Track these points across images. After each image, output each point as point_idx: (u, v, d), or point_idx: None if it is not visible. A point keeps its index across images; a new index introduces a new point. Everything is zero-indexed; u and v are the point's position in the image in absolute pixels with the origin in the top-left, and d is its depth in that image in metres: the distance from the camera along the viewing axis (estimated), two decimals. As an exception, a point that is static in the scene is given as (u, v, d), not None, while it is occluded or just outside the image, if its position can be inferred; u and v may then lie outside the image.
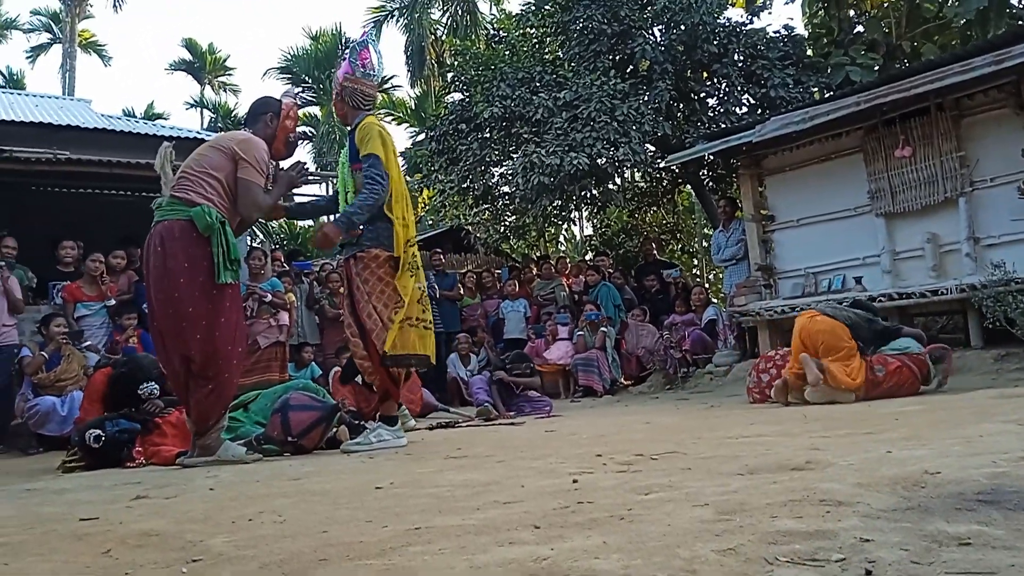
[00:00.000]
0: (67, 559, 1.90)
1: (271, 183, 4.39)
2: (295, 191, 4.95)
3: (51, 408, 6.76)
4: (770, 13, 17.54)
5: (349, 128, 4.74)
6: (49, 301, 7.99)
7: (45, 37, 32.31)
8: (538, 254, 14.55)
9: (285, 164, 4.63)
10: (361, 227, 4.41)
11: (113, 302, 7.75)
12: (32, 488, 3.67)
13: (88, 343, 7.35)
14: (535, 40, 12.76)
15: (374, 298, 4.36)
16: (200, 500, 2.81)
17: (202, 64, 33.67)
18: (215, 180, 4.11)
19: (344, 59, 4.83)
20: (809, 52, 11.94)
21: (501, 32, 14.12)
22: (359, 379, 7.33)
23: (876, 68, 10.63)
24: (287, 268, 9.76)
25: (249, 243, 11.40)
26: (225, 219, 4.05)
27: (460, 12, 22.99)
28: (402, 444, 4.49)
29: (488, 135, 11.56)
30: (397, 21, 24.82)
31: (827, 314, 5.58)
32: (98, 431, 4.45)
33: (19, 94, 14.89)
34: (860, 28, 11.88)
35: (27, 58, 33.78)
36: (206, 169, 4.13)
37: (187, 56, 33.95)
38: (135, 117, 22.27)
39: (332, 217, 4.95)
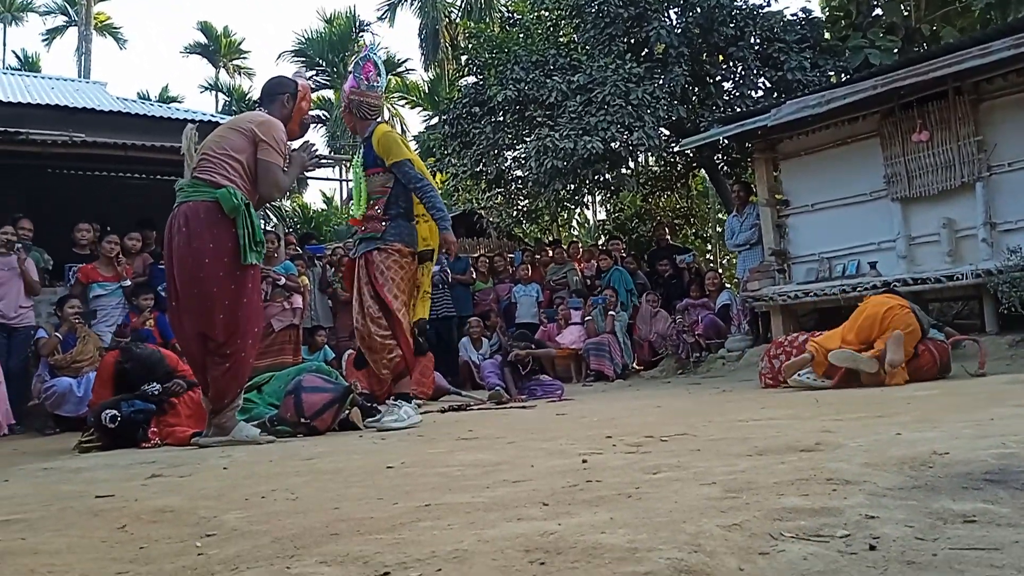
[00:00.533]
0: (83, 534, 1.93)
1: (286, 164, 4.44)
2: (307, 172, 5.09)
3: (67, 389, 6.84)
4: (787, -5, 17.36)
5: (361, 137, 4.98)
6: (65, 283, 8.07)
7: (61, 20, 32.50)
8: (551, 239, 14.54)
9: (295, 144, 4.71)
10: (383, 224, 4.71)
11: (129, 283, 7.81)
12: (49, 467, 3.72)
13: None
14: (550, 23, 12.69)
15: (395, 285, 4.65)
16: (214, 478, 2.84)
17: (217, 47, 33.74)
18: (236, 162, 4.15)
19: (349, 74, 5.02)
20: (827, 35, 11.83)
21: (515, 15, 14.04)
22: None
23: (895, 51, 10.52)
24: (300, 252, 9.79)
25: (263, 226, 11.44)
26: (249, 201, 4.09)
27: (475, -6, 22.92)
28: (418, 421, 4.70)
29: (501, 119, 11.53)
30: (411, 4, 24.79)
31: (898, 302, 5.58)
32: (114, 411, 4.51)
33: (35, 77, 15.00)
34: (879, 11, 11.75)
35: (43, 41, 34.02)
36: (227, 151, 4.16)
37: (202, 39, 34.03)
38: (150, 100, 22.37)
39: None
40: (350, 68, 4.99)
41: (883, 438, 2.49)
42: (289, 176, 4.43)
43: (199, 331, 4.12)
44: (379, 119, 5.04)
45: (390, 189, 4.76)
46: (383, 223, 4.72)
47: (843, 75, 10.37)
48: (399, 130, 26.89)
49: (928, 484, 1.70)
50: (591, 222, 19.26)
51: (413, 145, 12.19)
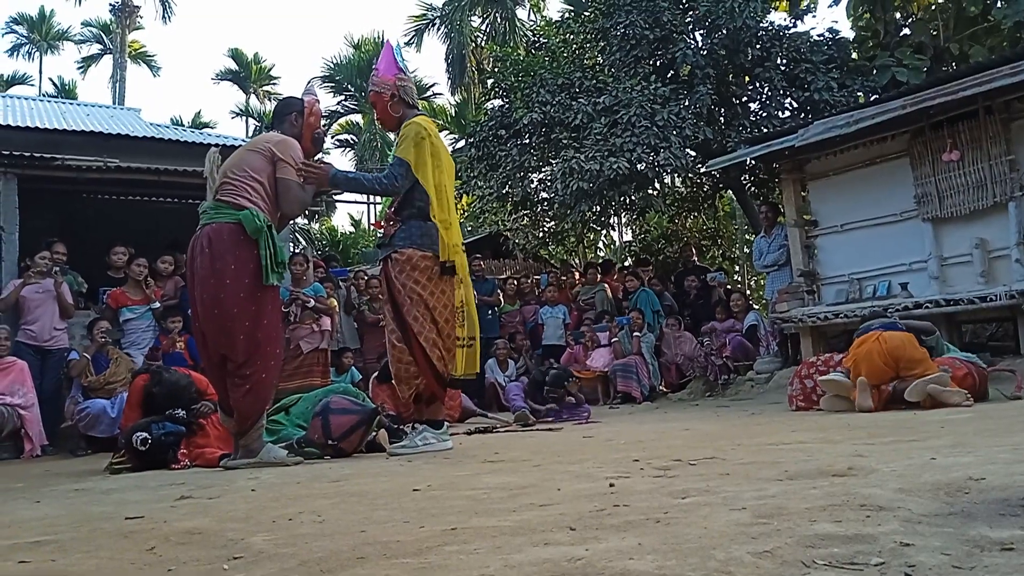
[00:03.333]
0: (112, 555, 1.95)
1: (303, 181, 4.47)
2: (326, 189, 5.06)
3: (101, 411, 6.93)
4: (814, 16, 17.39)
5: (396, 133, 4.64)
6: (99, 306, 8.19)
7: (96, 48, 33.27)
8: (585, 262, 14.53)
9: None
10: (394, 225, 4.39)
11: (158, 305, 7.90)
12: (80, 488, 3.77)
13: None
14: (575, 46, 12.75)
15: (420, 303, 4.29)
16: (242, 500, 2.86)
17: (247, 73, 34.33)
18: (257, 183, 4.21)
19: (376, 68, 4.77)
20: (854, 55, 11.77)
21: (541, 39, 14.13)
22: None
23: (924, 70, 10.43)
24: (329, 275, 9.87)
25: (291, 249, 11.56)
26: (271, 223, 4.14)
27: (500, 19, 23.12)
28: (448, 447, 4.42)
29: (527, 141, 11.58)
30: (438, 29, 25.04)
31: (890, 330, 5.42)
32: (144, 434, 4.56)
33: (71, 104, 15.32)
34: (907, 31, 11.67)
35: (79, 69, 34.81)
36: (248, 172, 4.23)
37: (233, 66, 34.65)
38: (183, 126, 22.75)
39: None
40: (377, 63, 4.74)
41: (917, 463, 2.44)
42: (308, 192, 4.44)
43: (220, 352, 4.16)
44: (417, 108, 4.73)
45: (411, 189, 4.38)
46: (395, 224, 4.39)
47: (871, 95, 10.29)
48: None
49: (964, 511, 1.67)
50: (617, 243, 19.22)
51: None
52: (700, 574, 1.29)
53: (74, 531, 2.36)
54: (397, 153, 4.41)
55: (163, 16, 31.27)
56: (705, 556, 1.41)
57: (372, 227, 4.78)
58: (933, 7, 11.85)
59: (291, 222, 4.76)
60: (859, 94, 10.60)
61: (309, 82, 5.70)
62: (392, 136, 4.82)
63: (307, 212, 12.86)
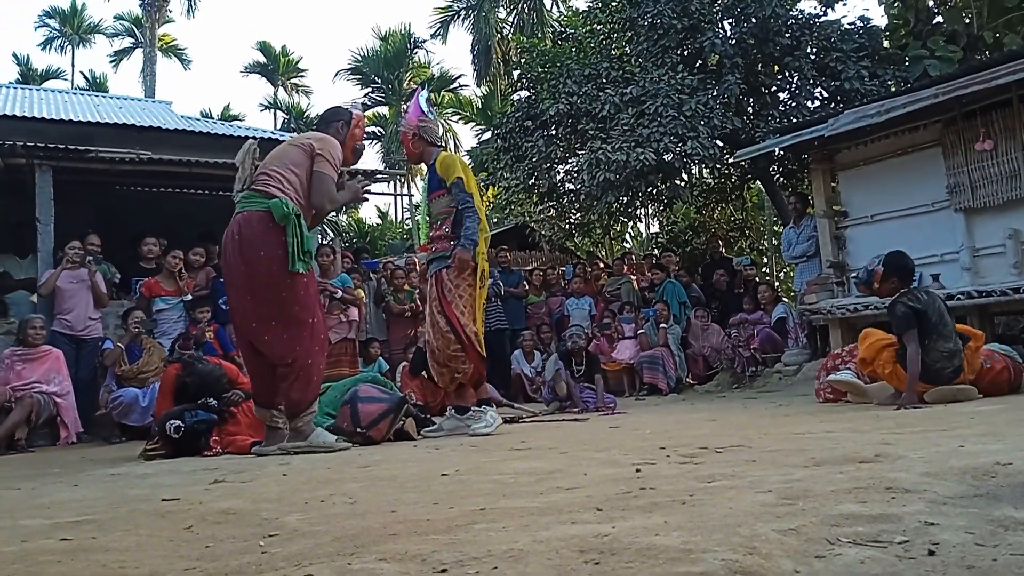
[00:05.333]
0: (151, 533, 2.00)
1: (340, 185, 4.61)
2: (359, 201, 5.36)
3: (134, 399, 7.07)
4: (844, 4, 17.02)
5: (427, 164, 5.32)
6: (131, 296, 8.33)
7: (128, 42, 33.65)
8: (612, 255, 14.50)
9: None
10: (451, 244, 5.01)
11: (190, 297, 8.03)
12: (116, 473, 3.86)
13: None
14: (602, 36, 12.70)
15: (463, 302, 4.97)
16: (274, 483, 2.91)
17: (276, 66, 34.54)
18: (293, 176, 4.31)
19: (405, 112, 5.51)
20: (886, 44, 11.61)
21: (568, 29, 14.09)
22: (426, 372, 7.64)
23: (956, 60, 10.27)
24: (356, 265, 9.95)
25: (319, 240, 11.66)
26: (300, 213, 4.21)
27: (526, 10, 23.07)
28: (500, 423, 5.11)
29: (554, 132, 11.57)
30: (464, 21, 25.06)
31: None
32: (178, 422, 4.64)
33: (103, 96, 15.52)
34: (939, 19, 11.49)
35: (110, 62, 35.26)
36: (286, 164, 4.34)
37: (261, 59, 34.88)
38: (213, 118, 22.99)
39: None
40: (405, 107, 5.44)
41: (944, 450, 2.44)
42: (341, 197, 4.62)
43: (252, 339, 4.23)
44: (442, 147, 5.47)
45: (454, 209, 5.05)
46: (451, 243, 5.02)
47: (902, 84, 10.16)
48: (452, 145, 27.18)
49: (990, 493, 1.67)
50: (644, 235, 19.16)
51: (467, 159, 12.28)
52: (725, 549, 1.31)
53: (112, 511, 2.42)
54: (455, 176, 5.03)
55: (187, 10, 31.53)
56: (730, 533, 1.43)
57: (419, 249, 5.43)
58: (967, -6, 11.65)
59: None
60: (890, 83, 10.47)
61: (355, 101, 6.32)
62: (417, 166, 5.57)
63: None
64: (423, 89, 5.79)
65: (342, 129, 4.68)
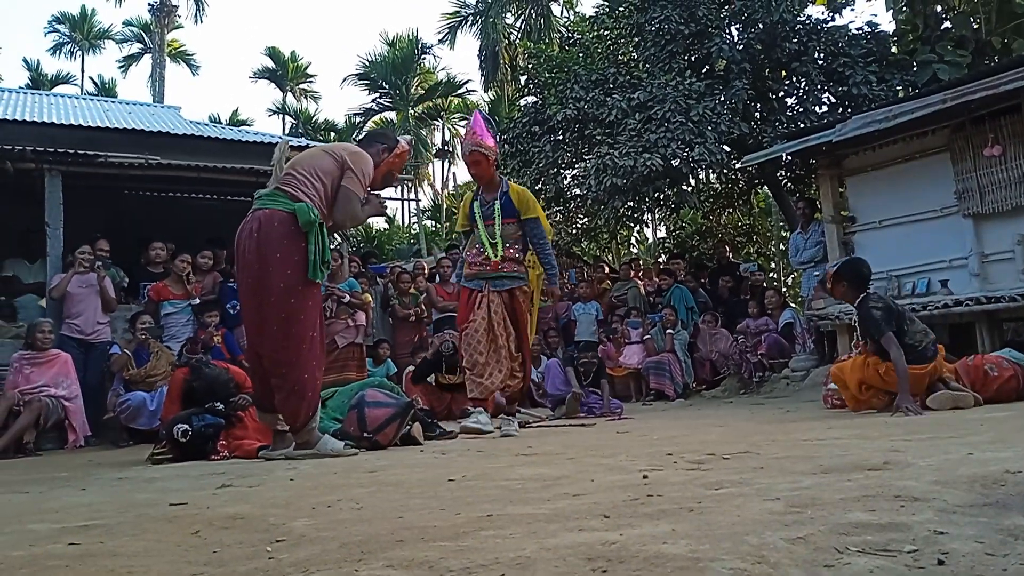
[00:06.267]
0: (159, 538, 2.00)
1: (364, 200, 4.54)
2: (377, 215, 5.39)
3: (142, 403, 7.08)
4: (852, 10, 17.00)
5: (492, 186, 5.64)
6: (139, 301, 8.35)
7: (136, 47, 33.84)
8: (619, 260, 14.48)
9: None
10: (523, 267, 5.63)
11: (198, 301, 8.05)
12: (124, 477, 3.86)
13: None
14: (609, 42, 12.72)
15: (528, 322, 5.70)
16: (281, 488, 2.91)
17: (284, 72, 34.70)
18: (320, 183, 4.22)
19: (473, 133, 5.62)
20: (894, 49, 11.59)
21: (575, 35, 14.12)
22: (431, 379, 7.74)
23: (965, 65, 10.24)
24: (363, 270, 9.97)
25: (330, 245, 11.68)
26: (322, 221, 4.17)
27: (534, 16, 23.13)
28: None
29: (561, 137, 11.59)
30: (472, 26, 25.13)
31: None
32: (185, 426, 4.65)
33: (112, 102, 15.59)
34: (947, 24, 11.47)
35: (119, 67, 35.40)
36: (315, 170, 4.25)
37: (270, 64, 35.05)
38: (221, 124, 23.07)
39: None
40: (474, 127, 5.64)
41: (954, 457, 2.43)
42: (364, 212, 4.51)
43: (255, 343, 4.20)
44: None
45: (521, 236, 5.64)
46: (520, 266, 5.61)
47: (911, 89, 10.13)
48: (459, 150, 27.23)
49: (999, 501, 1.66)
50: (651, 240, 19.15)
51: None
52: (733, 558, 1.31)
53: (120, 516, 2.42)
54: (536, 215, 5.68)
55: (195, 16, 31.71)
56: (738, 541, 1.42)
57: (490, 268, 5.65)
58: (975, 0, 11.63)
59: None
60: (898, 89, 10.45)
61: (408, 137, 6.52)
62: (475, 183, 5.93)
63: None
64: (480, 113, 5.90)
65: (382, 153, 4.59)
